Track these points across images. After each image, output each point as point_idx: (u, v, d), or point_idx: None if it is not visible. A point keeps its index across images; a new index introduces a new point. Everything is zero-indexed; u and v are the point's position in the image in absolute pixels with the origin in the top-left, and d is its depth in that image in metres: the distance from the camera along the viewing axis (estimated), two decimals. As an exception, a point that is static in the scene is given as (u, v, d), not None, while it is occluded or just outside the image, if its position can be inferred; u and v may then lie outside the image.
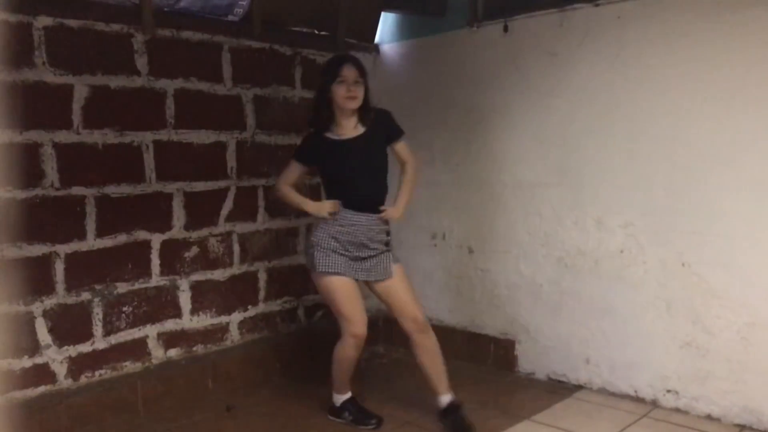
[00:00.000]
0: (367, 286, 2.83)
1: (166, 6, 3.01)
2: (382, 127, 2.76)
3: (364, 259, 2.73)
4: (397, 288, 2.76)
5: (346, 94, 2.64)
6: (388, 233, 2.79)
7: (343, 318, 2.73)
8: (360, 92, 2.67)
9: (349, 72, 2.65)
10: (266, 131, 3.50)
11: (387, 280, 2.75)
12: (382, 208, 2.75)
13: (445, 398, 2.77)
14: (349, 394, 2.92)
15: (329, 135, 2.74)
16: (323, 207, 2.77)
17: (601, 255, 3.05)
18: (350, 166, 2.72)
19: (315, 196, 3.70)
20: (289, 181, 2.88)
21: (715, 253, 2.70)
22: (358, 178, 2.73)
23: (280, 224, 3.60)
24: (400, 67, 3.84)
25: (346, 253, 2.70)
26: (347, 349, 2.76)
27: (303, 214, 3.63)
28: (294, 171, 2.87)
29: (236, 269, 3.42)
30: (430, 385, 2.79)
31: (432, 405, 3.00)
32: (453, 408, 2.75)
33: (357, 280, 2.75)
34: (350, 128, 2.73)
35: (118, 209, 2.93)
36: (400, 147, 2.80)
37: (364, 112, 2.73)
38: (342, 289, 2.70)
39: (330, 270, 2.69)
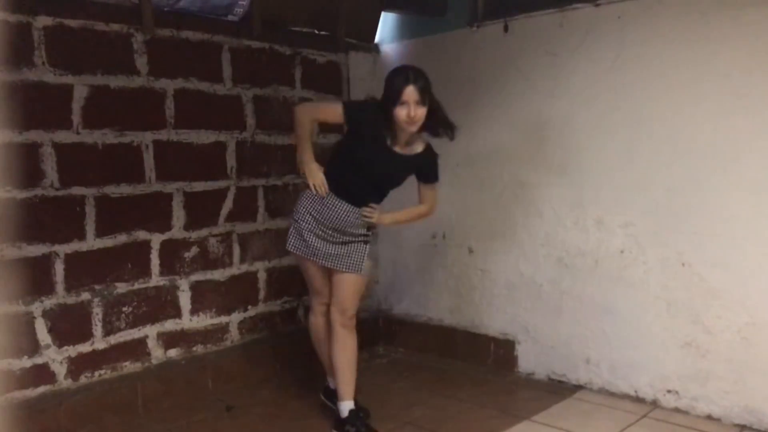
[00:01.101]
0: None
1: (166, 6, 3.01)
2: (423, 164, 2.70)
3: (337, 243, 2.66)
4: (348, 285, 2.70)
5: (407, 119, 2.49)
6: (369, 228, 2.72)
7: (312, 291, 2.86)
8: (421, 114, 2.51)
9: (410, 95, 2.48)
10: (266, 131, 3.50)
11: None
12: (371, 205, 2.67)
13: (347, 405, 2.72)
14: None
15: (383, 133, 2.59)
16: (316, 177, 2.64)
17: (602, 255, 3.05)
18: (374, 169, 2.64)
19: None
20: (317, 116, 2.74)
21: (715, 253, 2.70)
22: (372, 183, 2.67)
23: (280, 224, 3.60)
24: (400, 67, 3.83)
25: (320, 233, 2.65)
26: (317, 317, 2.86)
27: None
28: (331, 113, 2.66)
29: (236, 269, 3.42)
30: (336, 385, 2.77)
31: (433, 405, 3.02)
32: (355, 415, 2.71)
33: (314, 260, 2.68)
34: (401, 143, 2.62)
35: (118, 209, 2.93)
36: (429, 191, 2.77)
37: (421, 132, 2.63)
38: (311, 269, 2.78)
39: (297, 252, 2.74)
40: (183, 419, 2.91)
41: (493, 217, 3.46)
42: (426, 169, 2.73)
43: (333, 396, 2.87)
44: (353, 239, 2.68)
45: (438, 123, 2.62)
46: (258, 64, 3.43)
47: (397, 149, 2.63)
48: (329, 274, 2.74)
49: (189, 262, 3.21)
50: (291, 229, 2.75)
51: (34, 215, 2.67)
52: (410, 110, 2.48)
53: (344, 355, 2.73)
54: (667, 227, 2.83)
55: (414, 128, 2.54)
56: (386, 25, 3.87)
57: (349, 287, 2.71)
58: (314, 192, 2.65)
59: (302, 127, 2.69)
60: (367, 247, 2.73)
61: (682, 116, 2.75)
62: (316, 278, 2.79)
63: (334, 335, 2.74)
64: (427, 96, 2.54)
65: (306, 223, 2.67)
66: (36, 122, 2.67)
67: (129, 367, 3.01)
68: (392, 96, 2.50)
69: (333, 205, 2.63)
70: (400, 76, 2.54)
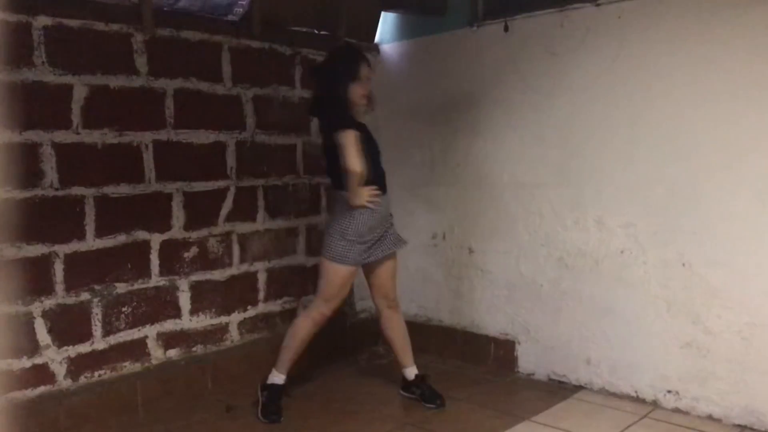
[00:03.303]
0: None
1: (166, 5, 3.01)
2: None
3: (380, 238, 2.88)
4: (390, 268, 2.97)
5: (367, 94, 2.78)
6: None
7: (325, 299, 2.89)
8: (370, 89, 2.82)
9: (366, 71, 2.75)
10: (266, 131, 3.50)
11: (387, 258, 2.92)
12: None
13: (411, 371, 3.07)
14: (283, 378, 2.97)
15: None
16: (362, 197, 2.76)
17: (602, 255, 3.05)
18: (374, 145, 2.87)
19: (314, 199, 3.73)
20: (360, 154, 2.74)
21: (716, 253, 2.70)
22: (378, 156, 2.90)
23: (280, 224, 3.60)
24: (400, 67, 3.83)
25: (371, 240, 2.84)
26: (311, 327, 2.92)
27: (303, 214, 3.68)
28: (360, 142, 2.73)
29: (236, 269, 3.42)
30: (396, 359, 3.11)
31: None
32: (420, 379, 3.05)
33: (371, 261, 2.90)
34: (360, 116, 2.86)
35: (118, 209, 2.92)
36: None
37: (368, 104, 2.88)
38: (345, 279, 2.87)
39: (347, 262, 2.83)
40: (183, 419, 2.91)
41: (493, 217, 3.46)
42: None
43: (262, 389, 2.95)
44: (389, 225, 2.94)
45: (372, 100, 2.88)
46: (258, 64, 3.43)
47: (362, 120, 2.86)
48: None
49: (189, 262, 3.21)
50: (342, 246, 2.80)
51: (34, 215, 2.67)
52: (364, 86, 2.73)
53: (400, 334, 3.05)
54: (667, 227, 2.83)
55: (366, 105, 2.80)
56: (386, 25, 3.87)
57: (388, 272, 2.97)
58: (369, 206, 2.78)
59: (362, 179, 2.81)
60: (393, 228, 2.98)
61: (683, 116, 2.75)
62: (342, 289, 2.89)
63: (384, 320, 3.05)
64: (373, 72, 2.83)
65: (363, 237, 2.82)
66: (36, 122, 2.66)
67: (129, 367, 3.00)
68: (350, 72, 2.70)
69: (381, 203, 2.84)
70: (355, 53, 2.80)
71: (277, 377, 2.95)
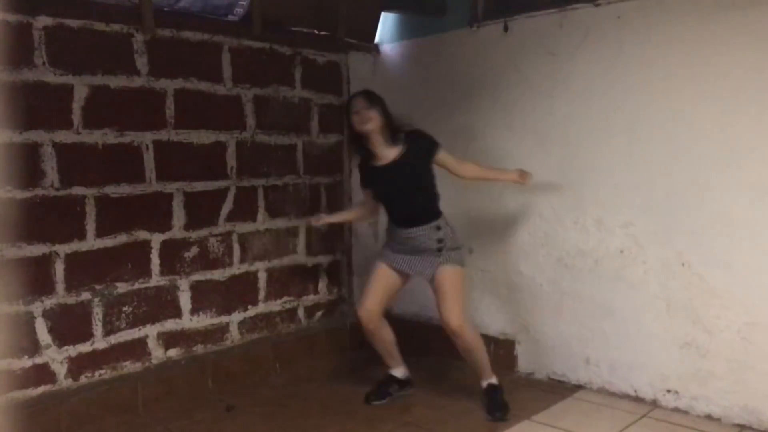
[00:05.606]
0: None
1: (166, 6, 3.01)
2: (417, 151, 2.89)
3: (415, 255, 2.93)
4: (439, 290, 2.88)
5: (359, 120, 2.83)
6: (440, 240, 2.86)
7: (365, 290, 3.03)
8: (370, 114, 2.82)
9: (357, 102, 2.87)
10: (266, 131, 3.50)
11: (432, 278, 2.89)
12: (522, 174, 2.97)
13: (483, 382, 2.97)
14: (397, 371, 3.16)
15: (372, 162, 2.93)
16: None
17: (601, 255, 3.05)
18: (389, 189, 2.93)
19: (314, 199, 3.73)
20: (365, 205, 3.17)
21: (715, 253, 2.70)
22: (399, 199, 2.93)
23: (280, 224, 3.60)
24: (400, 67, 3.83)
25: (401, 251, 2.94)
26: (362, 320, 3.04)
27: (303, 214, 3.69)
28: (366, 197, 3.11)
29: (236, 269, 3.42)
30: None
31: (433, 405, 3.03)
32: (488, 390, 2.96)
33: (402, 271, 2.96)
34: (385, 154, 2.88)
35: (118, 209, 2.93)
36: (442, 158, 2.94)
37: (391, 134, 2.87)
38: (376, 275, 2.99)
39: (380, 259, 3.01)
40: (183, 419, 2.92)
41: (493, 217, 3.47)
42: (424, 150, 2.91)
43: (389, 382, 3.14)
44: (425, 252, 2.90)
45: (395, 128, 2.88)
46: (258, 64, 3.44)
47: (384, 162, 2.88)
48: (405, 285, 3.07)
49: (189, 262, 3.21)
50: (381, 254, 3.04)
51: (35, 215, 2.68)
52: (360, 114, 2.82)
53: (469, 357, 2.96)
54: (667, 227, 2.83)
55: (368, 126, 2.82)
56: (386, 25, 3.87)
57: (443, 296, 2.87)
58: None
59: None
60: (442, 256, 2.86)
61: (682, 116, 2.75)
62: (372, 285, 2.98)
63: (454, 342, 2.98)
64: (374, 100, 2.86)
65: (389, 245, 2.99)
66: (36, 122, 2.67)
67: (129, 367, 3.01)
68: (347, 114, 2.89)
69: (402, 236, 2.90)
70: (350, 96, 3.08)
71: (394, 370, 3.15)
